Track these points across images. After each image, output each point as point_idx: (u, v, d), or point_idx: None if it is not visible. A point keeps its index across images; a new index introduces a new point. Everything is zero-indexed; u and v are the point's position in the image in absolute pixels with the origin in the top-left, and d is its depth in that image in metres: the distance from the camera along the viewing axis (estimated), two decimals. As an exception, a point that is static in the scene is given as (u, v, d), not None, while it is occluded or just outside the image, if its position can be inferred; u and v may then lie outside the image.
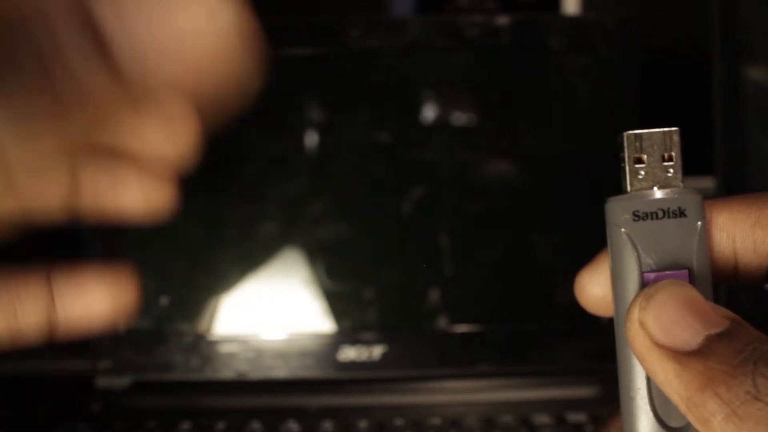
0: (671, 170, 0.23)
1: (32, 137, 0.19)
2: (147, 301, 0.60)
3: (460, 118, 0.60)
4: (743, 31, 0.57)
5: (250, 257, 0.60)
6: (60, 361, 0.60)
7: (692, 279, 0.22)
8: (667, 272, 0.22)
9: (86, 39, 0.17)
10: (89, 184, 0.23)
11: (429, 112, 0.60)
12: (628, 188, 0.23)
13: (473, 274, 0.61)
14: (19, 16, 0.17)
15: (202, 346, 0.59)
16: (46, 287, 0.23)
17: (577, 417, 0.56)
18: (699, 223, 0.22)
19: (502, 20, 0.59)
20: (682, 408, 0.19)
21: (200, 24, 0.16)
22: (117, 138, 0.22)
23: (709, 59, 0.58)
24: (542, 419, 0.56)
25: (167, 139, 0.23)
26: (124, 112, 0.20)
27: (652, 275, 0.22)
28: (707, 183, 0.58)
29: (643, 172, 0.23)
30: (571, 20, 0.61)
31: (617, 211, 0.22)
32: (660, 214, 0.22)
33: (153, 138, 0.23)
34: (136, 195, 0.23)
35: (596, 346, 0.58)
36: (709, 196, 0.23)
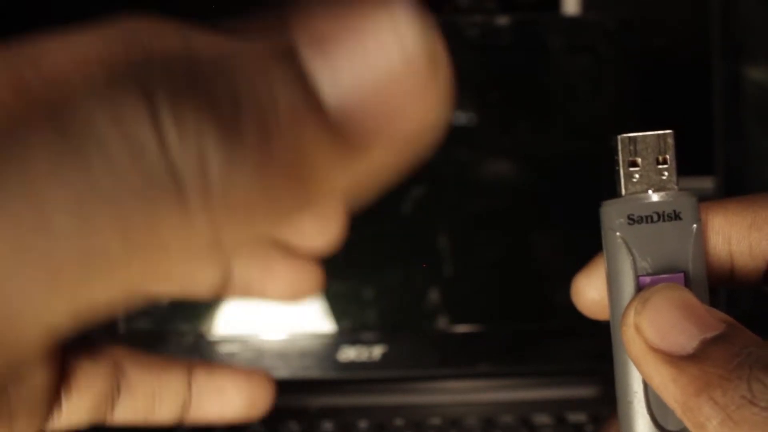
0: (666, 173, 0.23)
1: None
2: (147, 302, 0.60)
3: (460, 118, 0.60)
4: (743, 31, 0.57)
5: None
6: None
7: (688, 282, 0.22)
8: (662, 276, 0.22)
9: (297, 89, 0.13)
10: (240, 274, 0.23)
11: (429, 112, 0.60)
12: (623, 192, 0.23)
13: (473, 274, 0.61)
14: (221, 55, 0.13)
15: (202, 346, 0.59)
16: (186, 384, 0.23)
17: (577, 417, 0.56)
18: (694, 225, 0.22)
19: (502, 20, 0.59)
20: (678, 412, 0.19)
21: (396, 58, 0.13)
22: (282, 230, 0.22)
23: (709, 59, 0.58)
24: (542, 419, 0.56)
25: (320, 230, 0.23)
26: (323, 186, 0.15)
27: (647, 279, 0.22)
28: (707, 183, 0.58)
29: (637, 176, 0.23)
30: (571, 20, 0.61)
31: (612, 215, 0.22)
32: (655, 217, 0.22)
33: (308, 229, 0.22)
34: (285, 284, 0.24)
35: (596, 347, 0.58)
36: (709, 197, 0.23)
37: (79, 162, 0.12)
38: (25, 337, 0.13)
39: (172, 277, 0.13)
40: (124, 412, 0.23)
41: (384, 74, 0.13)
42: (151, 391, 0.23)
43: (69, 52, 0.13)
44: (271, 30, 0.14)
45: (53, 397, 0.21)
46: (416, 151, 0.15)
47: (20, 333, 0.12)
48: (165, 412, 0.23)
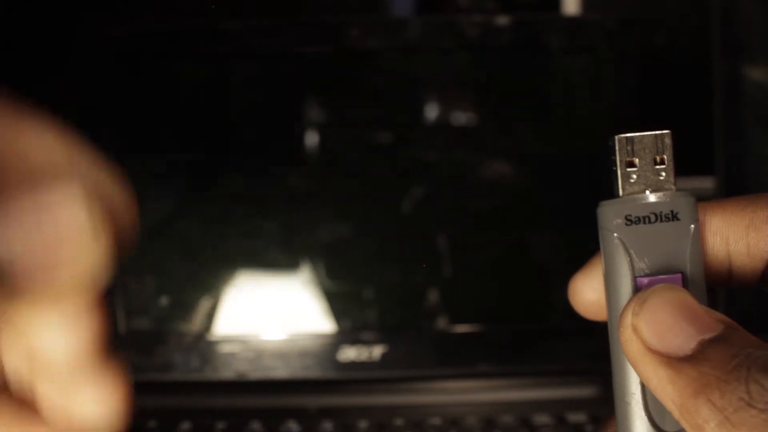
0: (663, 173, 0.22)
1: None
2: (147, 301, 0.60)
3: (460, 118, 0.60)
4: (743, 31, 0.57)
5: (250, 257, 0.60)
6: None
7: (686, 283, 0.22)
8: (660, 276, 0.22)
9: None
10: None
11: (429, 112, 0.60)
12: (620, 192, 0.23)
13: (473, 275, 0.61)
14: None
15: (201, 346, 0.59)
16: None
17: (577, 417, 0.56)
18: (692, 226, 0.22)
19: (502, 20, 0.59)
20: (676, 414, 0.19)
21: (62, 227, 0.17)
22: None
23: (709, 59, 0.58)
24: (542, 419, 0.56)
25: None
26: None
27: (645, 280, 0.22)
28: (707, 183, 0.58)
29: (635, 176, 0.22)
30: (571, 20, 0.61)
31: (609, 216, 0.22)
32: (652, 218, 0.22)
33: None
34: None
35: (596, 347, 0.58)
36: (709, 197, 0.23)
37: None
38: None
39: None
40: None
41: (49, 238, 0.17)
42: None
43: None
44: None
45: None
46: (80, 292, 0.18)
47: None
48: None
